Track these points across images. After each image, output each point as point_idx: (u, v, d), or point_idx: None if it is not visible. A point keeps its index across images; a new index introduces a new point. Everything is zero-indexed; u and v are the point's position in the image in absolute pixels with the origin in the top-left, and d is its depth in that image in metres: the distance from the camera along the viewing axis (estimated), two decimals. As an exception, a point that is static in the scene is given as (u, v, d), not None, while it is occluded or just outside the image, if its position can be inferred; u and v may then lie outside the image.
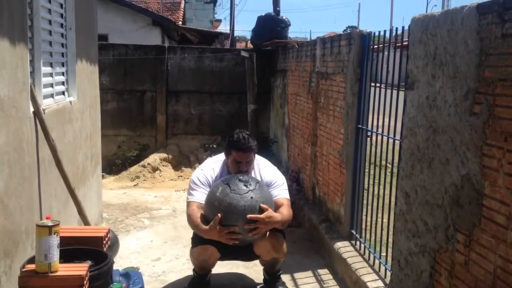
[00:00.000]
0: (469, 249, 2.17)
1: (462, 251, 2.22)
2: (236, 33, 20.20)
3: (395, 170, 3.09)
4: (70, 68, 3.94)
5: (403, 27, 3.21)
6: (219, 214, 3.02)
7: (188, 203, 3.33)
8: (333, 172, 4.43)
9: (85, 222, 3.60)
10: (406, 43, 2.93)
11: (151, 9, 16.14)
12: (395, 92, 3.23)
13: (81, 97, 4.20)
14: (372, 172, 3.76)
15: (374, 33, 3.77)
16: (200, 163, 3.73)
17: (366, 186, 3.89)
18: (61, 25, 3.76)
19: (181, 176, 7.48)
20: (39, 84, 3.13)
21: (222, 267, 3.80)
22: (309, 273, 3.98)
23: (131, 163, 7.67)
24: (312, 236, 4.76)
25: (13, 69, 2.58)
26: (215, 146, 7.83)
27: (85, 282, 2.29)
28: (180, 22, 17.36)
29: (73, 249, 2.60)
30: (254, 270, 3.90)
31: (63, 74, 3.83)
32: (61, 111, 3.58)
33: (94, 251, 2.68)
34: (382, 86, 3.62)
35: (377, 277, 3.33)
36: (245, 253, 3.37)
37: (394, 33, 3.32)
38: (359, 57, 3.89)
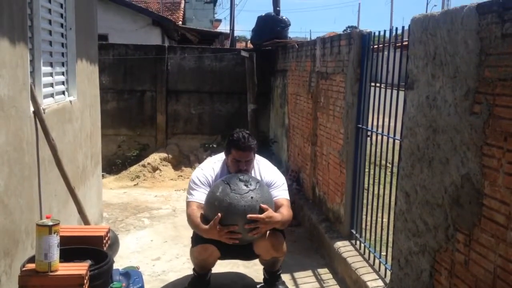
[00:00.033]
0: (469, 249, 2.17)
1: (462, 251, 2.22)
2: (236, 33, 20.20)
3: (395, 169, 3.09)
4: (70, 68, 3.94)
5: (403, 27, 3.21)
6: (219, 214, 3.02)
7: (188, 203, 3.33)
8: (333, 171, 4.43)
9: (85, 221, 3.60)
10: (406, 43, 2.93)
11: (151, 9, 16.15)
12: (395, 92, 3.23)
13: (81, 96, 4.20)
14: (372, 171, 3.76)
15: (374, 33, 3.77)
16: (200, 162, 3.73)
17: (366, 185, 3.89)
18: (61, 25, 3.77)
19: (181, 176, 7.48)
20: (39, 84, 3.13)
21: (222, 267, 3.81)
22: (309, 272, 3.98)
23: (131, 163, 7.67)
24: (312, 236, 4.76)
25: (13, 69, 2.58)
26: (215, 145, 7.84)
27: (85, 281, 2.29)
28: (180, 22, 17.36)
29: (73, 249, 2.60)
30: (254, 269, 3.90)
31: (63, 73, 3.83)
32: (61, 111, 3.58)
33: (94, 250, 2.68)
34: (382, 86, 3.62)
35: (377, 277, 3.34)
36: (245, 252, 3.37)
37: (394, 33, 3.32)
38: (359, 57, 3.89)
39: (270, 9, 9.06)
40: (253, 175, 3.40)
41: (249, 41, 10.28)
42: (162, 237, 4.80)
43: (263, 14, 8.19)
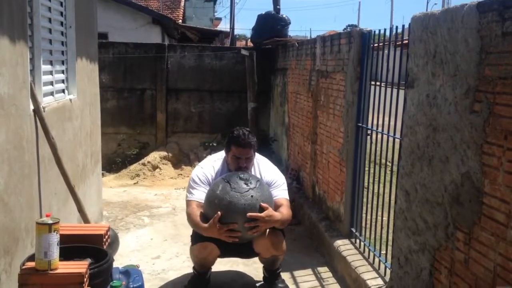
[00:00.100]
0: (469, 247, 2.17)
1: (462, 249, 2.23)
2: (236, 32, 20.18)
3: (395, 168, 3.09)
4: (70, 66, 3.94)
5: (403, 26, 3.21)
6: (219, 212, 3.02)
7: (188, 202, 3.33)
8: (333, 170, 4.43)
9: (85, 220, 3.60)
10: (406, 41, 2.93)
11: (151, 7, 16.12)
12: (395, 90, 3.23)
13: (81, 95, 4.20)
14: (372, 170, 3.77)
15: (374, 31, 3.77)
16: (200, 161, 3.73)
17: (366, 184, 3.90)
18: (61, 23, 3.76)
19: (181, 174, 7.49)
20: (39, 82, 3.13)
21: (222, 265, 3.81)
22: (309, 271, 3.99)
23: (131, 161, 7.67)
24: (312, 234, 4.77)
25: (13, 67, 2.58)
26: (215, 144, 7.83)
27: (85, 279, 2.29)
28: (180, 21, 17.33)
29: (73, 247, 2.60)
30: (254, 268, 3.90)
31: (63, 72, 3.83)
32: (61, 109, 3.58)
33: (94, 248, 2.68)
34: (382, 85, 3.62)
35: (376, 275, 3.34)
36: (245, 250, 3.37)
37: (394, 32, 3.32)
38: (359, 55, 3.89)
39: (270, 8, 9.06)
40: (253, 173, 3.40)
41: (249, 40, 10.27)
42: (162, 236, 4.81)
43: (263, 13, 8.19)
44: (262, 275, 3.65)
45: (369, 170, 3.82)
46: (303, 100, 5.72)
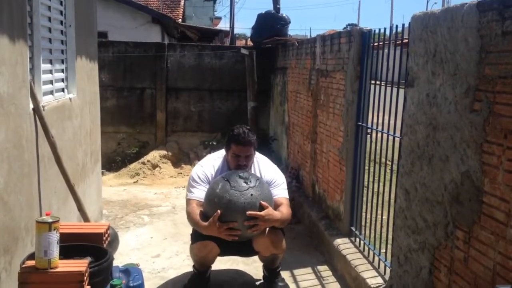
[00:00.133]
0: (468, 246, 2.17)
1: (462, 248, 2.23)
2: (236, 31, 20.16)
3: (395, 167, 3.09)
4: (70, 65, 3.94)
5: (403, 25, 3.21)
6: (218, 211, 3.02)
7: (188, 201, 3.33)
8: (333, 169, 4.43)
9: (85, 218, 3.61)
10: (406, 40, 2.93)
11: (151, 6, 16.11)
12: (395, 89, 3.23)
13: (81, 94, 4.20)
14: (372, 169, 3.77)
15: (374, 30, 3.77)
16: (199, 160, 3.73)
17: (366, 183, 3.90)
18: (61, 22, 3.76)
19: (181, 173, 7.49)
20: (38, 81, 3.12)
21: (222, 264, 3.81)
22: (309, 269, 3.99)
23: (130, 160, 7.68)
24: (311, 233, 4.77)
25: (12, 66, 2.58)
26: (214, 143, 7.83)
27: (85, 278, 2.29)
28: (180, 20, 17.33)
29: (73, 246, 2.60)
30: (253, 266, 3.91)
31: (62, 71, 3.83)
32: (60, 108, 3.58)
33: (94, 247, 2.68)
34: (382, 84, 3.62)
35: (376, 274, 3.34)
36: (245, 249, 3.37)
37: (394, 31, 3.31)
38: (359, 54, 3.89)
39: (270, 7, 9.05)
40: (252, 172, 3.40)
41: (249, 39, 10.26)
42: (162, 234, 4.81)
43: (263, 12, 8.18)
44: (262, 273, 3.66)
45: (369, 169, 3.82)
46: (303, 99, 5.72)
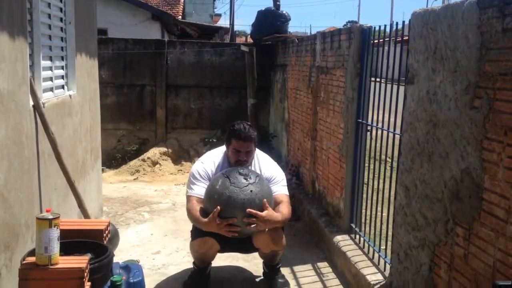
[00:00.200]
0: (468, 243, 2.18)
1: (462, 245, 2.23)
2: (236, 28, 20.17)
3: (394, 164, 3.09)
4: (70, 62, 3.93)
5: (403, 22, 3.20)
6: (218, 207, 3.03)
7: (188, 198, 3.33)
8: (333, 166, 4.43)
9: (85, 215, 3.61)
10: (407, 37, 2.93)
11: (151, 3, 16.08)
12: (395, 86, 3.23)
13: (81, 91, 4.20)
14: (372, 166, 3.77)
15: (375, 27, 3.76)
16: (199, 157, 3.73)
17: (365, 180, 3.90)
18: (61, 19, 3.76)
19: (181, 170, 7.49)
20: (38, 78, 3.12)
21: (222, 260, 3.82)
22: (309, 266, 4.00)
23: (131, 157, 7.68)
24: (311, 230, 4.78)
25: (12, 63, 2.58)
26: (214, 140, 7.83)
27: (85, 274, 2.30)
28: (180, 17, 17.31)
29: (73, 242, 2.60)
30: (253, 263, 3.91)
31: (62, 68, 3.82)
32: (60, 105, 3.58)
33: (94, 244, 2.69)
34: (382, 81, 3.62)
35: (376, 270, 3.35)
36: (245, 245, 3.37)
37: (394, 28, 3.31)
38: (359, 51, 3.88)
39: (270, 4, 9.01)
40: (252, 169, 3.41)
41: (249, 36, 10.25)
42: (162, 231, 4.81)
43: (263, 9, 8.17)
44: (262, 270, 3.66)
45: (369, 166, 3.82)
46: (303, 96, 5.71)
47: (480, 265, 2.08)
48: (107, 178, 6.90)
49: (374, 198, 3.60)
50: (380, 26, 3.62)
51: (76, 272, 2.28)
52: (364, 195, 3.96)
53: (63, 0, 3.78)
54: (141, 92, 7.96)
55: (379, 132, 3.56)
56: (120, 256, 3.83)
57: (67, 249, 2.48)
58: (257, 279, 3.72)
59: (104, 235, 2.84)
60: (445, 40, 2.38)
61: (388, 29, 3.40)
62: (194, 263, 3.53)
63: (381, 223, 3.55)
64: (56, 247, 2.29)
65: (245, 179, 3.13)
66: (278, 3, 8.80)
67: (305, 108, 5.58)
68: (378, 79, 3.69)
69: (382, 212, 3.51)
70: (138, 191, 6.36)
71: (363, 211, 3.90)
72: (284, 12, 7.98)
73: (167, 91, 7.98)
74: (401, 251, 2.87)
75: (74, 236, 2.68)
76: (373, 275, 3.28)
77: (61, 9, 3.75)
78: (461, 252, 2.24)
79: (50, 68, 3.49)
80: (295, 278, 3.77)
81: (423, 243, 2.59)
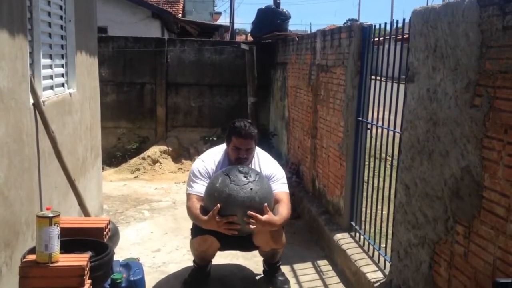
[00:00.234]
0: (468, 241, 2.18)
1: (462, 243, 2.23)
2: (236, 26, 20.14)
3: (395, 162, 3.09)
4: (70, 60, 3.93)
5: (403, 20, 3.20)
6: (218, 205, 3.03)
7: (188, 196, 3.33)
8: (333, 164, 4.43)
9: (86, 213, 3.61)
10: (407, 35, 2.93)
11: (151, 1, 16.06)
12: (395, 84, 3.22)
13: (81, 89, 4.20)
14: (372, 164, 3.77)
15: (375, 25, 3.76)
16: (199, 155, 3.73)
17: (366, 178, 3.90)
18: (61, 17, 3.75)
19: (181, 169, 7.49)
20: (38, 76, 3.12)
21: (222, 258, 3.82)
22: (309, 264, 4.00)
23: (131, 155, 7.68)
24: (311, 228, 4.78)
25: (12, 61, 2.57)
26: (215, 138, 7.84)
27: (85, 272, 2.30)
28: (180, 15, 17.30)
29: (73, 240, 2.61)
30: (254, 261, 3.92)
31: (62, 66, 3.82)
32: (60, 103, 3.58)
33: (94, 242, 2.69)
34: (382, 79, 3.62)
35: (376, 268, 3.35)
36: (245, 243, 3.37)
37: (394, 26, 3.31)
38: (359, 49, 3.88)
39: (270, 2, 9.01)
40: (252, 166, 3.41)
41: (249, 34, 10.24)
42: (162, 229, 4.82)
43: (263, 7, 8.16)
44: (262, 268, 3.67)
45: (369, 164, 3.82)
46: (303, 94, 5.71)
47: (480, 263, 2.09)
48: (107, 176, 6.90)
49: (374, 196, 3.60)
50: (380, 24, 3.62)
51: (76, 270, 2.28)
52: (364, 193, 3.96)
53: (63, -2, 3.78)
54: (141, 90, 7.95)
55: (379, 130, 3.56)
56: (120, 254, 3.83)
57: (67, 247, 2.48)
58: (257, 277, 3.73)
59: (105, 233, 2.84)
60: (445, 38, 2.38)
61: (388, 27, 3.39)
62: (194, 261, 3.53)
63: (381, 221, 3.55)
64: (56, 245, 2.29)
65: (245, 177, 3.13)
66: (278, 1, 8.79)
67: (305, 106, 5.58)
68: (378, 77, 3.69)
69: (382, 210, 3.51)
70: (138, 189, 6.37)
71: (363, 209, 3.90)
72: (284, 10, 7.97)
73: (167, 89, 7.98)
74: (401, 249, 2.87)
75: (75, 234, 2.68)
76: (373, 273, 3.29)
77: (61, 7, 3.75)
78: (461, 250, 2.24)
79: (50, 66, 3.49)
80: (295, 276, 3.77)
81: (423, 241, 2.60)
